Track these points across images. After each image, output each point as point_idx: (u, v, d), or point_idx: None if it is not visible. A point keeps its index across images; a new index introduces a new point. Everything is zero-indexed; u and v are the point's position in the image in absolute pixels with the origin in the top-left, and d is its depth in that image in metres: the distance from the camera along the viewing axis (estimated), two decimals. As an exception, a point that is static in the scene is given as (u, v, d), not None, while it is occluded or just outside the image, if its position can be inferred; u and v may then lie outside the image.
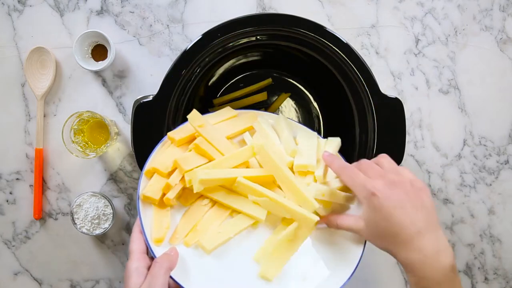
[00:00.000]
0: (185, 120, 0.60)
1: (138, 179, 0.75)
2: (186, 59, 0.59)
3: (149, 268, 0.51)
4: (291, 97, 0.73)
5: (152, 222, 0.55)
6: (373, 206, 0.50)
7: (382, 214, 0.49)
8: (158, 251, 0.54)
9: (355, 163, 0.55)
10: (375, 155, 0.61)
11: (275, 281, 0.55)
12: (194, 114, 0.59)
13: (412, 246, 0.48)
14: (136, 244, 0.53)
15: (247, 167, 0.59)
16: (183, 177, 0.56)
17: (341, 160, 0.57)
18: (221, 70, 0.68)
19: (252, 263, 0.56)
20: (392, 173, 0.51)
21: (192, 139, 0.59)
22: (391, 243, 0.50)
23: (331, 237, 0.57)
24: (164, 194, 0.56)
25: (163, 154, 0.58)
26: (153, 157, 0.58)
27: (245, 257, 0.56)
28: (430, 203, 0.51)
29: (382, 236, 0.50)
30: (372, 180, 0.51)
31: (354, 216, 0.53)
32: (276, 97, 0.73)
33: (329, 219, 0.55)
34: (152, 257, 0.54)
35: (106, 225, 0.71)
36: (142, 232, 0.54)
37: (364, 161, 0.54)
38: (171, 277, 0.52)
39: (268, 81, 0.72)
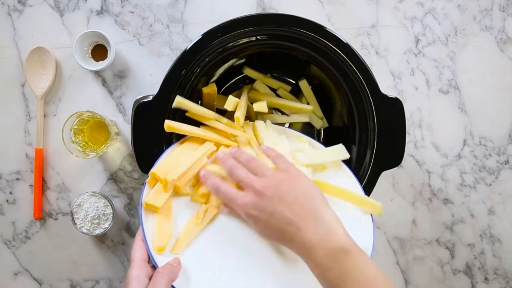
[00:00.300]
0: (185, 119, 0.60)
1: (138, 179, 0.75)
2: (186, 59, 0.59)
3: (150, 277, 0.51)
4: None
5: (154, 231, 0.55)
6: (252, 220, 0.53)
7: (261, 225, 0.52)
8: (160, 260, 0.53)
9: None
10: (375, 155, 0.61)
11: None
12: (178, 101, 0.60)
13: (296, 241, 0.50)
14: (137, 252, 0.53)
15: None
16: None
17: (215, 178, 0.56)
18: (221, 70, 0.68)
19: (255, 275, 0.56)
20: (267, 174, 0.53)
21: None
22: (280, 241, 0.52)
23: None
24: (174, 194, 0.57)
25: (166, 162, 0.58)
26: (157, 165, 0.58)
27: (249, 269, 0.56)
28: (304, 191, 0.52)
29: (270, 238, 0.53)
30: (244, 195, 0.53)
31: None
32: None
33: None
34: (153, 266, 0.53)
35: (106, 225, 0.71)
36: (144, 240, 0.54)
37: (235, 172, 0.55)
38: (173, 286, 0.51)
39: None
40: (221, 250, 0.56)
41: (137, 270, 0.51)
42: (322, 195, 0.53)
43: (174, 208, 0.57)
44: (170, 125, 0.58)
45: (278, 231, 0.51)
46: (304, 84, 0.71)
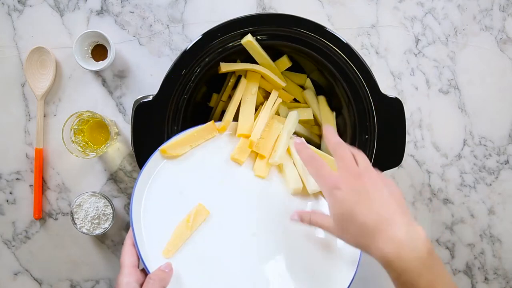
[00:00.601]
0: (185, 119, 0.60)
1: (138, 179, 0.75)
2: (186, 59, 0.59)
3: (141, 283, 0.51)
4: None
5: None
6: (336, 199, 0.48)
7: (345, 206, 0.47)
8: (151, 265, 0.53)
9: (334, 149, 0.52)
10: (375, 155, 0.61)
11: None
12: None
13: (382, 236, 0.45)
14: (128, 257, 0.52)
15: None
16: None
17: (310, 150, 0.54)
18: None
19: (247, 278, 0.56)
20: (362, 167, 0.49)
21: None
22: (360, 237, 0.47)
23: (319, 263, 0.58)
24: None
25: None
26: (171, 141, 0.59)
27: (242, 273, 0.56)
28: (398, 190, 0.49)
29: (351, 229, 0.47)
30: (337, 174, 0.49)
31: (325, 214, 0.53)
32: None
33: (303, 214, 0.55)
34: (143, 269, 0.53)
35: (106, 225, 0.71)
36: (135, 244, 0.53)
37: (340, 152, 0.51)
38: None
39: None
40: (213, 254, 0.56)
41: (127, 277, 0.51)
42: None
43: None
44: (225, 66, 0.61)
45: (361, 217, 0.46)
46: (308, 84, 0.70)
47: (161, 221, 0.56)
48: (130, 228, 0.55)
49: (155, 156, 0.58)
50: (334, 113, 0.68)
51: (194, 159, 0.60)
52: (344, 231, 0.49)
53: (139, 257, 0.53)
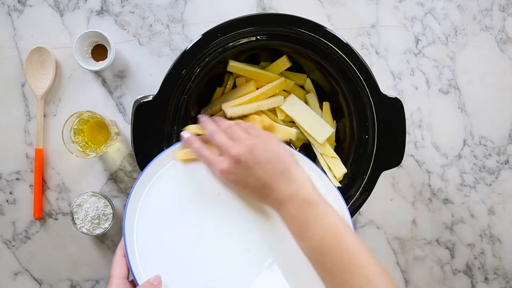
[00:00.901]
0: (185, 120, 0.60)
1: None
2: (186, 59, 0.59)
3: None
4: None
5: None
6: (231, 186, 0.57)
7: (239, 188, 0.56)
8: (140, 277, 0.53)
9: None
10: (375, 155, 0.61)
11: None
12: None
13: (272, 199, 0.53)
14: (117, 269, 0.53)
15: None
16: None
17: (211, 125, 0.60)
18: (222, 69, 0.68)
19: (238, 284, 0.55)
20: (240, 146, 0.55)
21: None
22: (259, 200, 0.56)
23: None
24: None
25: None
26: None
27: (233, 280, 0.56)
28: (276, 152, 0.54)
29: (250, 197, 0.57)
30: (221, 165, 0.55)
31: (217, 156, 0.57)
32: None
33: (192, 139, 0.59)
34: (132, 281, 0.53)
35: (106, 225, 0.71)
36: (126, 255, 0.54)
37: (216, 140, 0.58)
38: None
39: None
40: (204, 267, 0.56)
41: None
42: (292, 155, 0.55)
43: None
44: (233, 65, 0.63)
45: (254, 191, 0.54)
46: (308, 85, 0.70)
47: (154, 231, 0.56)
48: (122, 238, 0.54)
49: (158, 160, 0.58)
50: (335, 122, 0.69)
51: (197, 167, 0.59)
52: (244, 197, 0.58)
53: (129, 269, 0.53)
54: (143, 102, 0.59)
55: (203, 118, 0.62)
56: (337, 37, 0.60)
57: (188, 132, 0.60)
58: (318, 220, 0.50)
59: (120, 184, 0.75)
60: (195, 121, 0.68)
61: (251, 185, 0.54)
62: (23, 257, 0.75)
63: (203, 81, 0.66)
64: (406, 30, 0.77)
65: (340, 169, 0.64)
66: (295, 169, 0.53)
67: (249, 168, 0.53)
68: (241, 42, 0.60)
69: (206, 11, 0.75)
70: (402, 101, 0.60)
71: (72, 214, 0.71)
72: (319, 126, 0.66)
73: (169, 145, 0.61)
